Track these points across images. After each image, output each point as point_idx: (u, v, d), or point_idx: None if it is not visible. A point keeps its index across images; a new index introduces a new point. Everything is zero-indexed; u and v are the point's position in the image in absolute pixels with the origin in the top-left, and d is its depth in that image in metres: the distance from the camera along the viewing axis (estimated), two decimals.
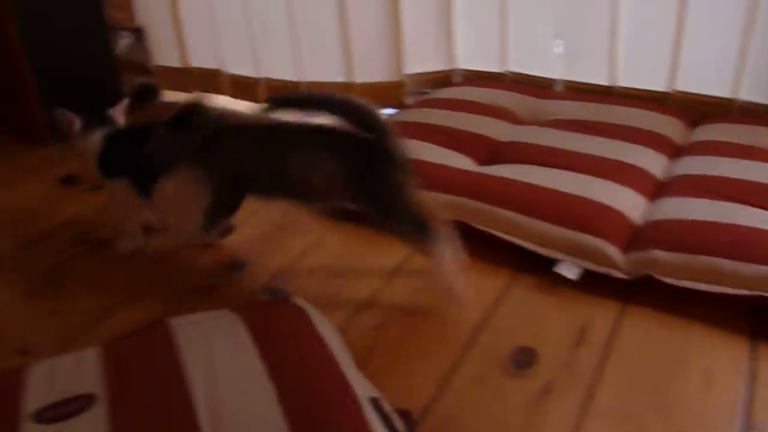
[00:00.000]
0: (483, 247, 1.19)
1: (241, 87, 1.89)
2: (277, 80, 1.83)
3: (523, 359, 0.94)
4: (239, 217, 1.33)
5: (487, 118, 1.52)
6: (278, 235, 1.27)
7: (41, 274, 1.19)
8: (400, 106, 1.74)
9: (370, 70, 1.74)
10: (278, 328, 0.86)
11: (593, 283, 1.06)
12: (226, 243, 1.25)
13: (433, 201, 1.21)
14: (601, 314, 1.00)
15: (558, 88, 1.69)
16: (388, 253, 1.19)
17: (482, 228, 1.17)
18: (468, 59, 1.79)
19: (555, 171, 1.26)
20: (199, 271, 1.17)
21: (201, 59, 1.95)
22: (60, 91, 1.73)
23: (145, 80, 2.03)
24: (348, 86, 1.75)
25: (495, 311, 1.03)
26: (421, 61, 1.77)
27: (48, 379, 0.80)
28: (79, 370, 0.81)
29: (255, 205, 1.37)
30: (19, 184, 1.55)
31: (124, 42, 2.06)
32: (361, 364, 0.87)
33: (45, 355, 0.98)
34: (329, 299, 1.07)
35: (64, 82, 1.73)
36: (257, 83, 1.85)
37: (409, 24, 1.69)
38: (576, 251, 1.09)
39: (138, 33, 2.16)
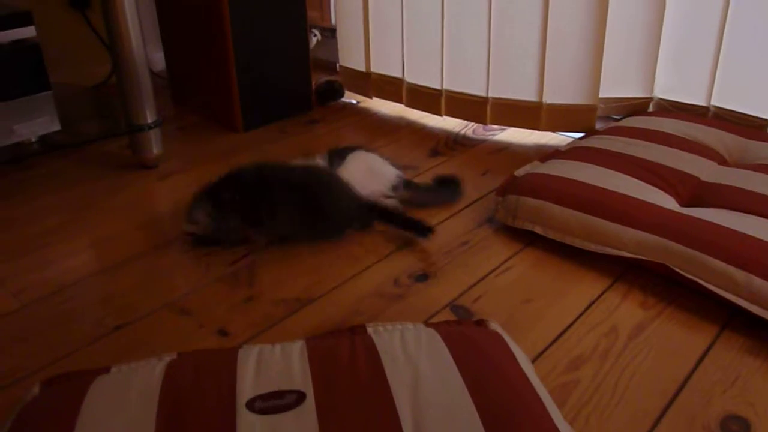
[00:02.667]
0: (686, 295, 1.11)
1: (421, 97, 1.90)
2: (459, 93, 1.81)
3: (735, 430, 0.85)
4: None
5: (689, 155, 1.42)
6: (462, 251, 1.25)
7: (233, 260, 1.25)
8: (589, 130, 1.68)
9: (562, 91, 1.68)
10: (480, 355, 0.84)
11: None
12: (410, 253, 1.25)
13: (635, 239, 1.16)
14: None
15: None
16: (582, 288, 1.14)
17: (688, 275, 1.09)
18: (668, 89, 1.68)
19: None
20: (385, 277, 1.18)
21: (382, 66, 1.97)
22: (255, 84, 1.82)
23: (329, 79, 2.09)
24: (536, 106, 1.71)
25: (699, 370, 0.95)
26: (616, 86, 1.69)
27: (256, 367, 0.83)
28: (286, 364, 0.83)
29: (440, 216, 1.37)
30: (214, 166, 1.64)
31: (314, 40, 2.14)
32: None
33: (242, 339, 1.03)
34: (517, 328, 1.04)
35: (259, 75, 1.82)
36: (438, 95, 1.84)
37: (612, 46, 1.62)
38: None
39: (329, 32, 2.24)
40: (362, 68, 2.01)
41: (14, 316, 1.10)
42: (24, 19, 1.42)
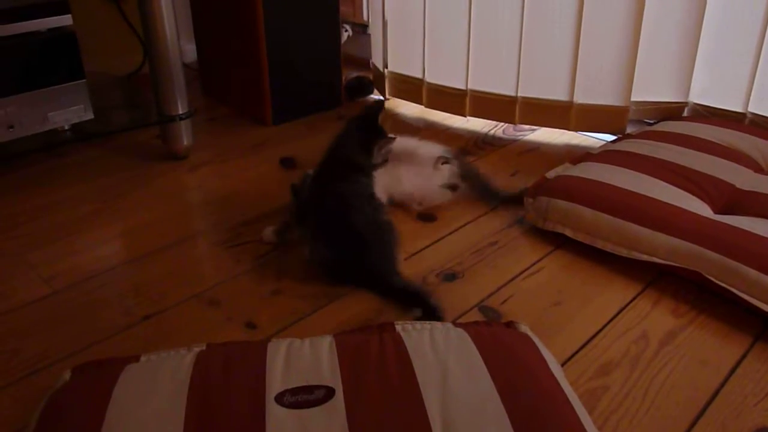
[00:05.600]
0: (718, 304, 1.09)
1: (443, 98, 1.88)
2: (486, 93, 1.79)
3: None
4: (452, 226, 1.33)
5: (724, 161, 1.39)
6: (491, 252, 1.24)
7: (261, 253, 1.25)
8: (620, 133, 1.66)
9: (594, 91, 1.66)
10: (510, 356, 0.83)
11: None
12: (439, 251, 1.25)
13: (667, 245, 1.14)
14: None
15: None
16: (613, 293, 1.12)
17: (721, 284, 1.07)
18: (703, 93, 1.65)
19: None
20: (413, 275, 1.17)
21: (401, 65, 1.95)
22: (286, 78, 1.82)
23: (359, 75, 2.09)
24: (567, 106, 1.69)
25: (731, 381, 0.94)
26: (650, 89, 1.67)
27: (285, 361, 0.83)
28: (315, 359, 0.83)
29: (469, 216, 1.36)
30: (244, 159, 1.65)
31: (344, 35, 2.13)
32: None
33: (269, 332, 1.03)
34: (546, 331, 1.03)
35: (290, 69, 1.82)
36: (463, 95, 1.83)
37: (647, 49, 1.59)
38: None
39: (360, 28, 2.23)
40: (381, 67, 2.00)
41: (45, 302, 1.12)
42: (61, 8, 1.43)
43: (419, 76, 1.90)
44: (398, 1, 1.88)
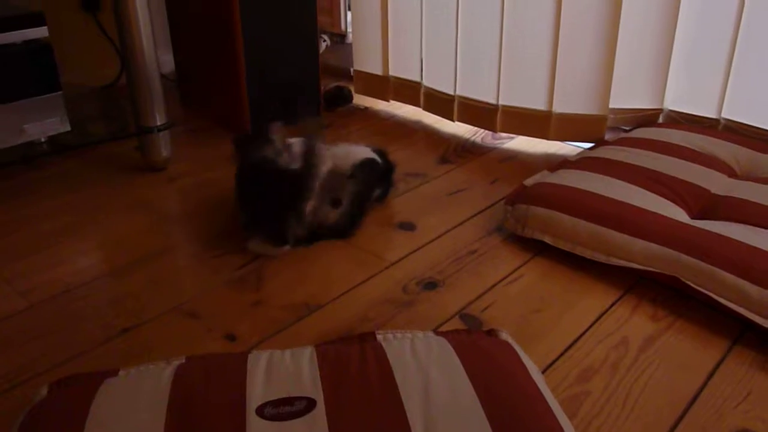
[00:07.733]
0: (696, 308, 1.11)
1: (436, 102, 1.90)
2: (470, 99, 1.81)
3: None
4: (432, 234, 1.33)
5: (700, 167, 1.41)
6: (472, 259, 1.25)
7: (241, 264, 1.24)
8: (598, 141, 1.67)
9: (572, 101, 1.68)
10: (491, 365, 0.83)
11: None
12: (419, 260, 1.25)
13: (645, 251, 1.15)
14: None
15: None
16: (592, 299, 1.13)
17: (699, 288, 1.08)
18: (679, 100, 1.68)
19: None
20: (393, 284, 1.18)
21: (400, 69, 1.97)
22: (264, 88, 1.82)
23: (338, 84, 2.09)
24: (546, 115, 1.71)
25: (710, 384, 0.95)
26: (626, 96, 1.69)
27: (266, 373, 0.82)
28: (296, 370, 0.82)
29: (449, 224, 1.37)
30: (223, 170, 1.64)
31: (323, 45, 2.14)
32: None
33: (250, 344, 1.02)
34: (527, 338, 1.04)
35: (269, 79, 1.82)
36: (451, 101, 1.85)
37: (623, 57, 1.62)
38: None
39: (338, 38, 2.24)
40: (380, 72, 2.01)
41: (22, 316, 1.10)
42: (36, 20, 1.42)
43: (417, 79, 1.94)
44: (392, 7, 1.91)
